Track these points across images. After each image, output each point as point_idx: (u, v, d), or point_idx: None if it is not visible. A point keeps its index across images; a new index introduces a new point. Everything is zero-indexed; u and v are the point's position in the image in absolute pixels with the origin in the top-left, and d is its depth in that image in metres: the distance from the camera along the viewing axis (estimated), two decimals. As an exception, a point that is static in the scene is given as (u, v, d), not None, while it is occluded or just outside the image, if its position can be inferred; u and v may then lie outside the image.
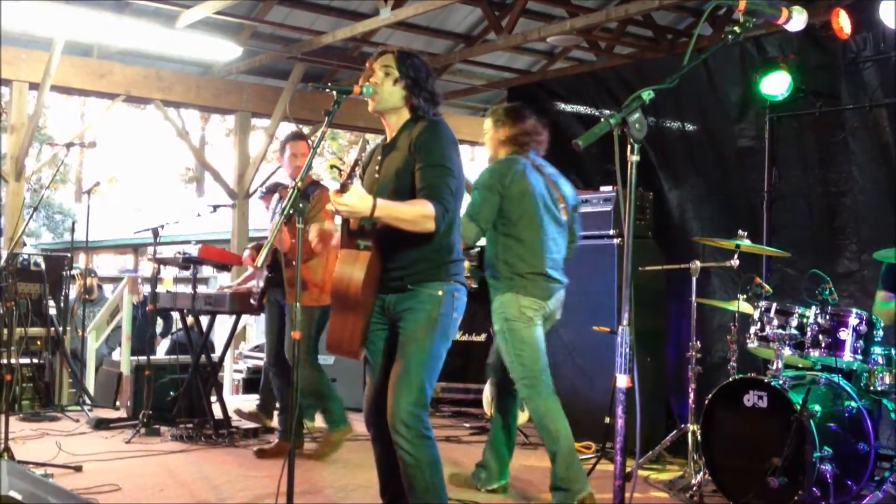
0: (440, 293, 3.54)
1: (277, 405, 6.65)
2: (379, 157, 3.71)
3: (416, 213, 3.41)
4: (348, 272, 3.47)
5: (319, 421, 6.36)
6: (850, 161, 6.15)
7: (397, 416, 3.45)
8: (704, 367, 5.46)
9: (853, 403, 4.73)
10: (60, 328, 7.97)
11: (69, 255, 8.43)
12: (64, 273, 8.21)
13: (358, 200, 3.29)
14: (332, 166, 3.31)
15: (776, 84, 6.14)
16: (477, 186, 4.75)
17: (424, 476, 3.47)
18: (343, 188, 3.25)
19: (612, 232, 6.36)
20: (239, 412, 6.97)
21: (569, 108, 8.28)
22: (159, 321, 10.99)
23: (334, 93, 3.51)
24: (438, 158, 3.51)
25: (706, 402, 4.94)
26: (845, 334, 4.79)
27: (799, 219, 6.40)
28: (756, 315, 5.08)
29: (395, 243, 3.51)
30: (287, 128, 9.92)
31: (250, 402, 7.66)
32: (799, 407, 4.50)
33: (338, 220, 4.07)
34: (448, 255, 3.58)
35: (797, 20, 2.84)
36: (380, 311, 3.64)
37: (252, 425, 6.81)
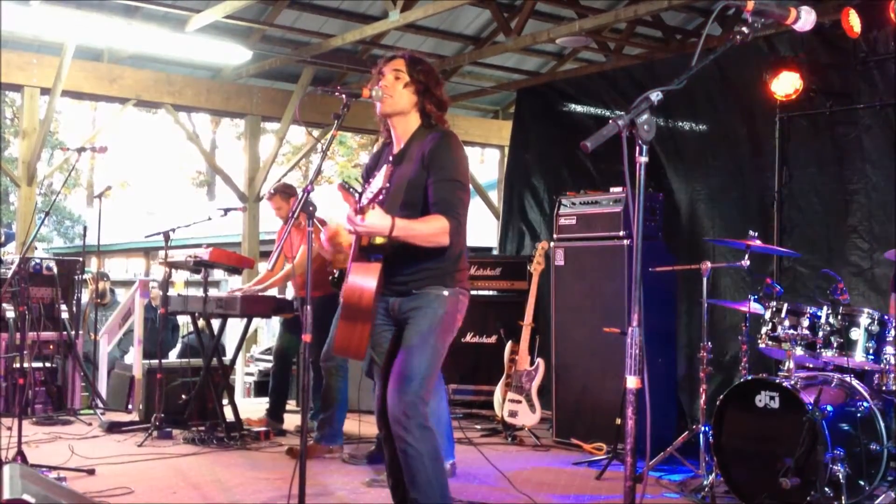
0: (446, 293, 3.57)
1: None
2: (386, 165, 3.71)
3: (433, 231, 3.45)
4: (360, 283, 3.50)
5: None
6: (862, 160, 6.14)
7: (398, 408, 3.46)
8: (716, 367, 5.46)
9: (865, 403, 4.71)
10: (73, 332, 7.99)
11: (81, 259, 8.47)
12: (76, 277, 8.24)
13: (379, 221, 3.32)
14: (345, 187, 3.36)
15: (787, 83, 6.12)
16: None
17: (426, 468, 3.46)
18: (362, 210, 3.28)
19: (622, 233, 6.35)
20: (249, 422, 6.96)
21: (578, 108, 8.29)
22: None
23: (343, 96, 3.52)
24: (452, 173, 3.54)
25: (718, 402, 4.93)
26: (857, 334, 4.77)
27: (810, 218, 6.39)
28: (767, 315, 5.06)
29: (403, 254, 3.53)
30: (297, 131, 9.96)
31: (260, 405, 7.68)
32: (811, 407, 4.49)
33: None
34: (454, 265, 3.61)
35: (806, 20, 2.83)
36: (385, 312, 3.67)
37: (265, 429, 6.84)
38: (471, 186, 3.76)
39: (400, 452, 3.50)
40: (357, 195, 3.36)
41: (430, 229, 3.46)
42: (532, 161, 8.80)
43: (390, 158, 3.72)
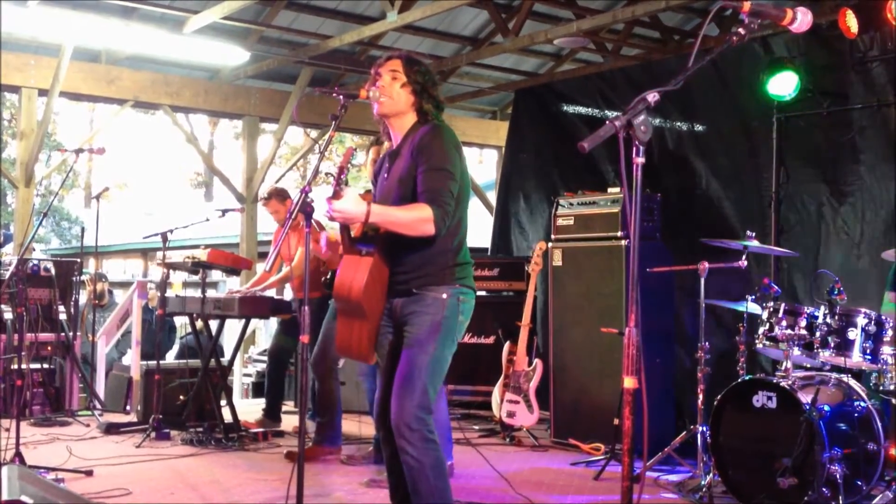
0: (445, 296, 3.53)
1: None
2: (387, 165, 3.73)
3: (413, 217, 3.41)
4: (349, 277, 3.47)
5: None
6: (858, 161, 6.15)
7: (401, 420, 3.44)
8: (713, 367, 5.45)
9: (862, 403, 4.72)
10: (71, 333, 7.99)
11: (79, 260, 8.47)
12: (74, 278, 8.24)
13: (352, 205, 3.31)
14: (327, 174, 3.35)
15: (783, 84, 6.13)
16: None
17: (429, 479, 3.45)
18: (336, 195, 3.26)
19: (619, 233, 6.36)
20: (246, 424, 6.94)
21: (576, 109, 8.29)
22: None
23: (341, 97, 3.52)
24: (439, 162, 3.50)
25: (715, 402, 4.94)
26: (854, 334, 4.77)
27: (806, 219, 6.39)
28: (765, 315, 5.07)
29: (399, 248, 3.51)
30: (295, 131, 9.96)
31: (258, 406, 7.68)
32: (808, 407, 4.49)
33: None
34: (453, 259, 3.58)
35: (802, 21, 2.83)
36: (388, 314, 3.64)
37: (262, 430, 6.83)
38: (469, 184, 3.75)
39: (403, 463, 3.49)
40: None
41: (410, 216, 3.42)
42: (529, 161, 8.80)
43: (388, 157, 3.73)
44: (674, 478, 5.55)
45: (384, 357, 3.70)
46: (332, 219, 3.37)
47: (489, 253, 9.07)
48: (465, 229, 3.66)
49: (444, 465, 3.55)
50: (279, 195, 7.13)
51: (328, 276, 5.79)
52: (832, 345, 4.81)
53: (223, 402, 6.91)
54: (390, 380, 3.59)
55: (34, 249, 9.78)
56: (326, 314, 6.06)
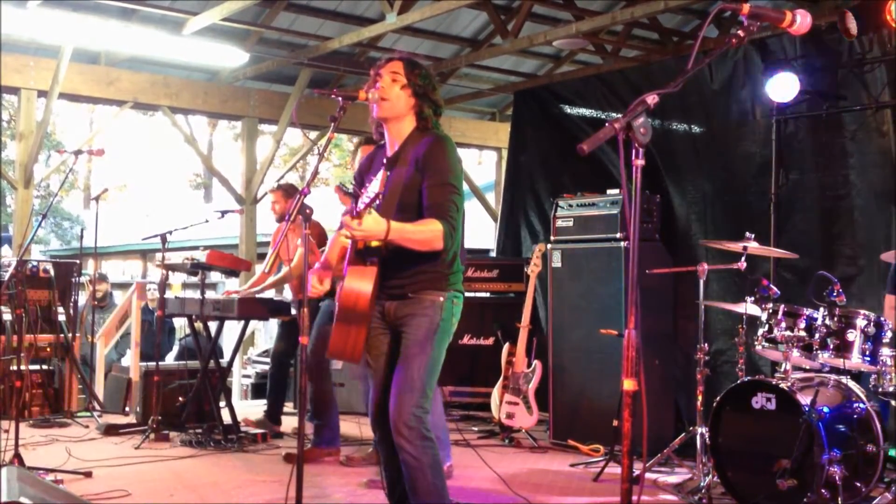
0: (441, 299, 3.57)
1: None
2: (381, 167, 3.70)
3: (427, 235, 3.45)
4: (357, 287, 3.50)
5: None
6: (856, 162, 6.15)
7: (400, 419, 3.47)
8: (712, 369, 5.45)
9: (862, 405, 4.72)
10: (70, 334, 7.99)
11: (78, 261, 8.46)
12: (73, 279, 8.23)
13: (374, 225, 3.32)
14: (342, 189, 3.36)
15: (782, 86, 6.13)
16: None
17: (427, 477, 3.49)
18: (359, 215, 3.28)
19: (619, 235, 6.36)
20: (247, 422, 6.98)
21: (575, 111, 8.29)
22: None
23: (340, 99, 3.53)
24: (446, 177, 3.53)
25: (714, 404, 4.94)
26: (853, 336, 4.78)
27: (803, 221, 6.39)
28: (764, 317, 5.07)
29: (398, 255, 3.53)
30: (294, 133, 9.95)
31: (257, 407, 7.69)
32: (807, 409, 4.49)
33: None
34: (449, 268, 3.62)
35: (801, 23, 2.83)
36: (380, 316, 3.67)
37: (262, 431, 6.83)
38: (467, 189, 3.77)
39: (401, 461, 3.52)
40: (354, 198, 3.36)
41: (424, 233, 3.45)
42: (530, 163, 8.79)
43: (384, 162, 3.71)
44: (673, 479, 5.55)
45: (378, 358, 3.71)
46: (352, 238, 3.39)
47: (495, 254, 9.07)
48: (462, 238, 3.68)
49: (441, 464, 3.58)
50: (287, 190, 7.13)
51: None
52: (831, 346, 4.82)
53: (222, 404, 6.91)
54: (386, 381, 3.61)
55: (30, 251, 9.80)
56: (318, 316, 6.06)
